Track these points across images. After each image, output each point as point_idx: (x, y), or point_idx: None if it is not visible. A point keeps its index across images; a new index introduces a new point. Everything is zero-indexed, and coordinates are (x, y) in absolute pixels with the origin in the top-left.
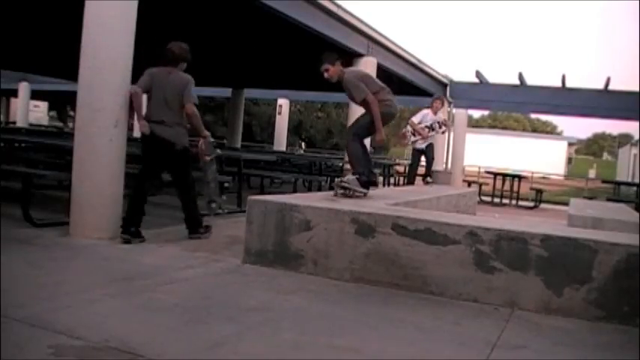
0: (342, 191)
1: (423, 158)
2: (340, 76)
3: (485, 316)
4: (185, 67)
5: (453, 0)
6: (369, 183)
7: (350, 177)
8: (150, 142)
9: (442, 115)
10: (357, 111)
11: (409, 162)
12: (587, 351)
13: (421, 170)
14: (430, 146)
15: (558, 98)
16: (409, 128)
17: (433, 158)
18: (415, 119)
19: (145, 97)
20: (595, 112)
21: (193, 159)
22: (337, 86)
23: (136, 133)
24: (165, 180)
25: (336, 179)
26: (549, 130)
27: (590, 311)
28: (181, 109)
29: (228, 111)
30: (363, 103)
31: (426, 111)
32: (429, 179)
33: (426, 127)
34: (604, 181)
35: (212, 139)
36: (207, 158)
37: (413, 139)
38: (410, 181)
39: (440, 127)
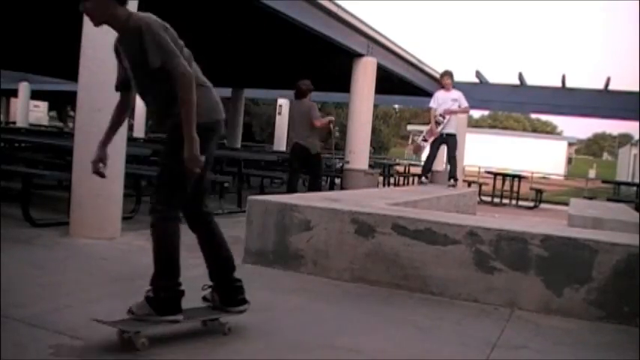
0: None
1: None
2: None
3: (486, 316)
4: (310, 95)
5: (453, 0)
6: (176, 300)
7: (139, 302)
8: (293, 150)
9: (456, 93)
10: (357, 112)
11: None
12: (587, 351)
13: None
14: (452, 138)
15: (558, 98)
16: (420, 139)
17: (454, 157)
18: (432, 104)
19: None
20: (595, 112)
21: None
22: (337, 86)
23: (136, 134)
24: None
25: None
26: (549, 130)
27: (590, 311)
28: (311, 125)
29: (228, 111)
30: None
31: (436, 93)
32: (452, 181)
33: (436, 122)
34: (604, 181)
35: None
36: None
37: (424, 144)
38: (423, 173)
39: (444, 119)
